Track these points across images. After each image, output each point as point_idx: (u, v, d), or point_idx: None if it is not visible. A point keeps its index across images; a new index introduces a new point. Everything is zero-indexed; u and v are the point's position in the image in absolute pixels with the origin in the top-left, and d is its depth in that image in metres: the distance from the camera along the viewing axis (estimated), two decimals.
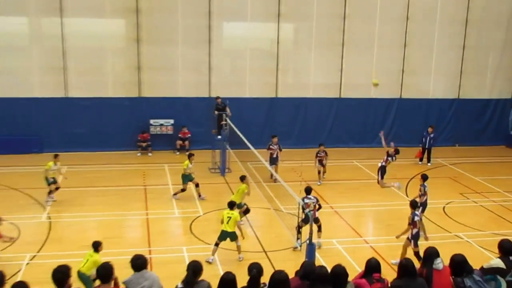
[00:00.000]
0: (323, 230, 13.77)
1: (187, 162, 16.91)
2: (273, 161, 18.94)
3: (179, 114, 22.76)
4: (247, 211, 15.11)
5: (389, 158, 17.16)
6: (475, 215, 16.61)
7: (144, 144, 22.35)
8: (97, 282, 7.09)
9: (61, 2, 21.03)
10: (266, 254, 13.27)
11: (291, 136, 23.66)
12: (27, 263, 12.40)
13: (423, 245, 12.19)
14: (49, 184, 16.26)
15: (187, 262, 7.21)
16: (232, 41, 23.84)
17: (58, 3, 21.01)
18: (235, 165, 19.49)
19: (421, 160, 22.36)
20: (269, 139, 19.38)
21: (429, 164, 22.06)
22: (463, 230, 15.17)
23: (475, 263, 7.23)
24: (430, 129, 22.26)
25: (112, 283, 7.14)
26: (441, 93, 25.15)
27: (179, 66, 22.61)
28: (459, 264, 6.93)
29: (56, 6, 21.01)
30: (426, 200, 14.46)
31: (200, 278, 6.92)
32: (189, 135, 22.62)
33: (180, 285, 6.86)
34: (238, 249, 12.82)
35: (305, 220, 12.89)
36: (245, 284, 6.55)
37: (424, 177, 14.64)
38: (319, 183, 18.83)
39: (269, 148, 19.11)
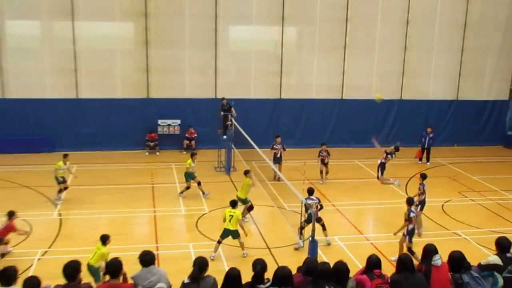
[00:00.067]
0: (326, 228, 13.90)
1: (189, 161, 17.12)
2: (277, 160, 18.97)
3: (186, 115, 22.96)
4: (250, 208, 15.23)
5: (389, 156, 17.56)
6: (473, 213, 16.78)
7: (152, 144, 22.61)
8: (107, 277, 7.24)
9: (72, 6, 21.25)
10: (270, 251, 13.43)
11: (295, 136, 23.82)
12: (39, 259, 12.61)
13: (417, 241, 12.60)
14: (58, 183, 16.44)
15: (193, 258, 7.24)
16: (238, 44, 23.99)
17: (70, 7, 21.22)
18: (240, 164, 19.76)
19: (420, 159, 22.53)
20: (273, 139, 19.47)
21: (428, 163, 22.22)
22: (461, 228, 15.35)
23: (473, 260, 7.35)
24: (429, 130, 22.45)
25: (121, 278, 7.32)
26: (440, 94, 25.31)
27: (186, 68, 22.80)
28: (457, 261, 7.03)
29: (67, 10, 21.22)
30: (424, 198, 14.66)
31: (206, 274, 6.98)
32: (196, 135, 22.79)
33: (186, 280, 6.87)
34: (241, 245, 13.00)
35: (308, 220, 13.04)
36: (249, 279, 6.62)
37: (423, 176, 14.81)
38: (321, 182, 19.10)
39: (273, 148, 19.21)
